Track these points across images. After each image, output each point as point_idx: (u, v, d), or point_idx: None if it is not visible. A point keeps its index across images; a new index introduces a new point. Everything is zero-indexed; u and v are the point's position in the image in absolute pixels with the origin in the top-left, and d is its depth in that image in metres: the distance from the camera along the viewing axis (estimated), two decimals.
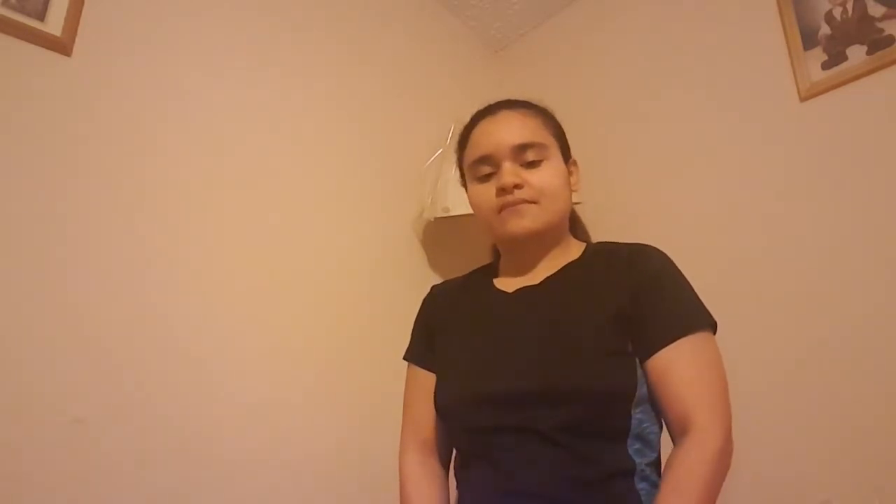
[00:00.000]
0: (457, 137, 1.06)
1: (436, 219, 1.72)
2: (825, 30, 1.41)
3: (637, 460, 0.82)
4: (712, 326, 0.86)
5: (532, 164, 0.92)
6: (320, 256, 1.53)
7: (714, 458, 0.76)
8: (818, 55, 1.42)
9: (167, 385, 1.21)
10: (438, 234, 1.83)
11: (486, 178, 0.94)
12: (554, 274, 0.93)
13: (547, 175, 0.91)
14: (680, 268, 0.90)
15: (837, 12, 1.40)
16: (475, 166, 0.95)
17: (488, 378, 0.88)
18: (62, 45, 1.20)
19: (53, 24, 1.20)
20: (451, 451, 1.01)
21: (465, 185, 1.03)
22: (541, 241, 0.93)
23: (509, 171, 0.90)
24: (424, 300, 1.11)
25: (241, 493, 1.27)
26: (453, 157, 1.70)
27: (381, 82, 1.83)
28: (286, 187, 1.52)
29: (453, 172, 1.69)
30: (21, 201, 1.12)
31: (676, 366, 0.81)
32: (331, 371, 1.45)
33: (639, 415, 0.83)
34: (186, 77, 1.39)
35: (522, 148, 0.92)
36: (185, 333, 1.26)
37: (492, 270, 1.05)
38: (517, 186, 0.89)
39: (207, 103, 1.42)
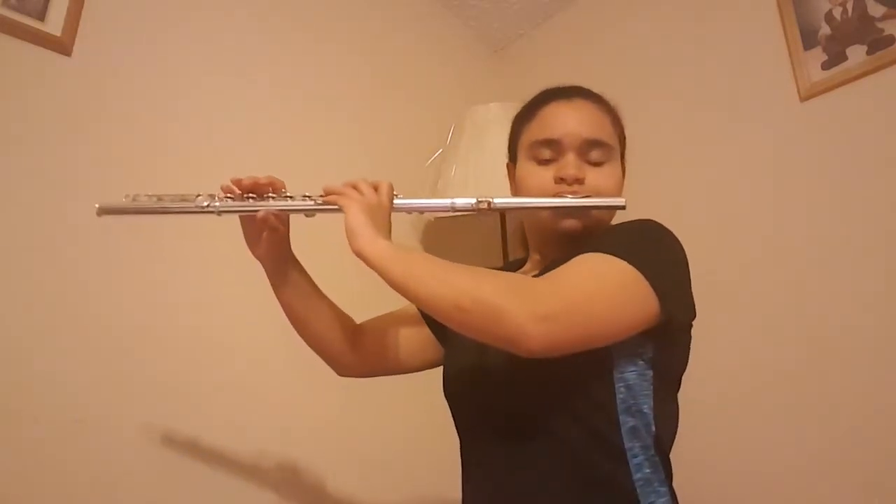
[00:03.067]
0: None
1: (436, 219, 1.72)
2: (825, 30, 1.41)
3: (629, 444, 0.77)
4: (635, 265, 0.74)
5: (595, 163, 0.88)
6: (320, 256, 1.52)
7: (524, 309, 0.67)
8: (818, 55, 1.42)
9: (168, 385, 1.21)
10: (438, 234, 1.83)
11: (544, 161, 0.90)
12: (554, 262, 0.91)
13: (607, 178, 0.88)
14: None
15: (837, 12, 1.40)
16: (537, 147, 0.91)
17: (459, 367, 0.91)
18: (62, 45, 1.21)
19: (53, 24, 1.20)
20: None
21: (512, 158, 0.99)
22: (576, 241, 0.88)
23: (574, 163, 0.87)
24: None
25: (243, 491, 1.27)
26: (454, 156, 1.72)
27: (382, 82, 1.83)
28: (286, 186, 1.52)
29: (453, 172, 1.70)
30: (22, 201, 1.12)
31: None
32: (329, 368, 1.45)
33: (622, 392, 0.78)
34: (186, 76, 1.40)
35: (591, 144, 0.88)
36: (187, 333, 1.26)
37: (521, 262, 1.04)
38: (578, 181, 0.86)
39: (207, 102, 1.42)
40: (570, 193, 0.86)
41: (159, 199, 0.87)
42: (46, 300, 1.11)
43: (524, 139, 0.95)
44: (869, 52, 1.34)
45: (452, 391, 0.93)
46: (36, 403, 1.06)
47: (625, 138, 0.96)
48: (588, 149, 0.88)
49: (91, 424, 1.10)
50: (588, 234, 0.89)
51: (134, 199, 0.87)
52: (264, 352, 1.35)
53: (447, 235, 1.84)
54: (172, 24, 1.40)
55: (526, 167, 0.93)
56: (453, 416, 0.93)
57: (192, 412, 1.23)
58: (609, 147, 0.90)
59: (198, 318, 1.29)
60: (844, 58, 1.37)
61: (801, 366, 1.34)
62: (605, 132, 0.90)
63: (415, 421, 1.52)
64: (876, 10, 1.34)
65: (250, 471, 1.29)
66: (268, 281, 0.95)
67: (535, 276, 0.92)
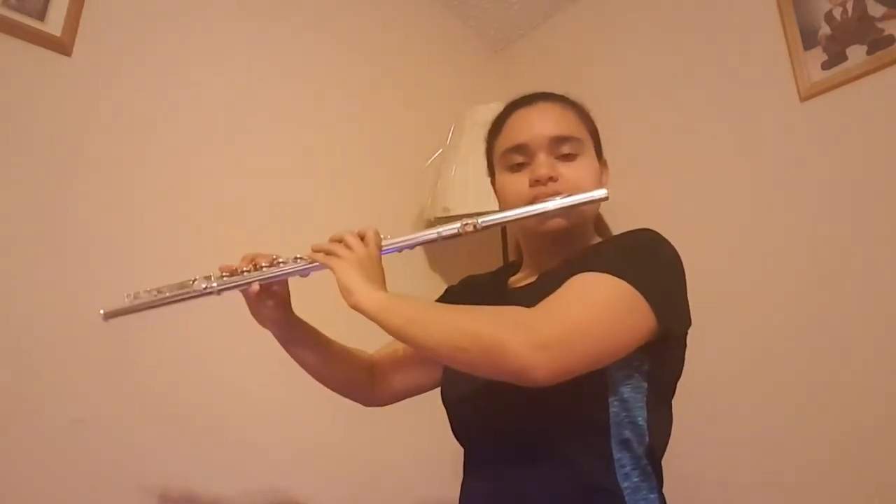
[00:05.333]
0: (488, 125, 1.02)
1: (436, 219, 1.72)
2: (825, 30, 1.41)
3: (618, 455, 0.78)
4: (631, 282, 0.74)
5: (567, 158, 0.89)
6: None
7: (523, 341, 0.68)
8: (818, 55, 1.42)
9: (167, 385, 1.21)
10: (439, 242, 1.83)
11: (517, 167, 0.91)
12: (550, 270, 0.91)
13: (581, 170, 0.89)
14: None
15: (837, 12, 1.40)
16: (508, 155, 0.92)
17: (455, 381, 0.91)
18: (62, 45, 1.21)
19: (53, 24, 1.20)
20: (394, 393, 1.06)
21: (491, 175, 1.00)
22: (565, 239, 0.89)
23: (544, 163, 0.87)
24: (447, 288, 1.11)
25: (243, 490, 1.27)
26: (454, 156, 1.72)
27: (381, 82, 1.83)
28: (286, 187, 1.52)
29: (453, 172, 1.70)
30: (22, 200, 1.12)
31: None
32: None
33: (615, 407, 0.78)
34: (186, 76, 1.39)
35: (559, 140, 0.89)
36: (186, 334, 1.26)
37: (515, 267, 1.05)
38: (552, 179, 0.86)
39: (206, 103, 1.42)
40: (547, 194, 0.86)
41: (159, 291, 0.92)
42: (46, 299, 1.11)
43: (496, 152, 0.96)
44: (869, 52, 1.34)
45: (449, 405, 0.93)
46: (36, 403, 1.06)
47: (597, 133, 0.97)
48: (557, 145, 0.89)
49: (91, 424, 1.10)
50: (576, 231, 0.89)
51: (135, 297, 0.93)
52: (269, 349, 1.35)
53: (447, 243, 1.83)
54: (172, 24, 1.39)
55: (502, 178, 0.94)
56: (451, 426, 0.93)
57: (193, 413, 1.23)
58: (578, 140, 0.90)
59: (201, 318, 1.29)
60: (844, 58, 1.37)
61: (801, 367, 1.34)
62: (571, 127, 0.91)
63: (415, 433, 1.52)
64: (876, 10, 1.34)
65: (252, 473, 1.29)
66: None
67: (529, 283, 0.93)
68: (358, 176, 1.69)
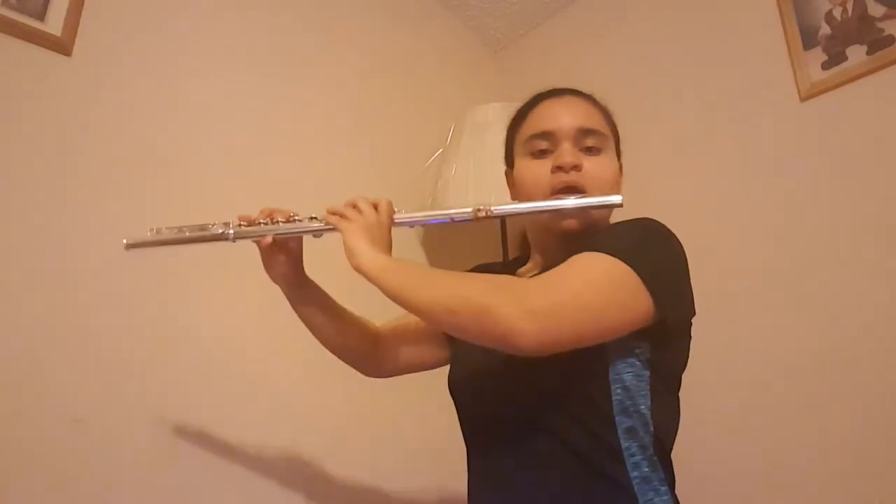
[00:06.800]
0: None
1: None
2: (825, 30, 1.42)
3: (625, 444, 0.77)
4: (629, 264, 0.74)
5: (591, 151, 0.90)
6: (320, 256, 1.52)
7: (512, 307, 0.69)
8: (818, 55, 1.42)
9: (167, 385, 1.21)
10: (438, 234, 1.83)
11: (540, 154, 0.91)
12: (554, 262, 0.91)
13: (603, 166, 0.90)
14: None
15: (837, 12, 1.40)
16: (532, 141, 0.92)
17: (463, 366, 0.92)
18: (62, 45, 1.20)
19: (53, 24, 1.20)
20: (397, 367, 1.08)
21: (509, 164, 1.00)
22: (574, 239, 0.88)
23: (569, 151, 0.88)
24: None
25: (243, 489, 1.27)
26: (454, 156, 1.72)
27: (381, 82, 1.83)
28: (286, 188, 1.52)
29: (453, 172, 1.70)
30: (21, 200, 1.12)
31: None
32: (330, 369, 1.45)
33: (618, 394, 0.78)
34: (186, 77, 1.39)
35: (585, 132, 0.89)
36: (185, 333, 1.26)
37: (524, 260, 1.05)
38: (575, 168, 0.87)
39: (206, 103, 1.42)
40: (568, 182, 0.87)
41: (179, 230, 0.97)
42: (46, 300, 1.11)
43: (519, 139, 0.96)
44: (869, 52, 1.34)
45: (456, 390, 0.94)
46: (36, 403, 1.06)
47: (618, 135, 0.97)
48: (582, 137, 0.90)
49: (91, 424, 1.10)
50: (587, 232, 0.89)
51: (157, 232, 0.97)
52: (268, 349, 1.35)
53: (448, 236, 1.84)
54: (172, 24, 1.39)
55: (523, 163, 0.94)
56: (458, 412, 0.93)
57: (194, 411, 1.23)
58: (603, 135, 0.91)
59: (200, 317, 1.29)
60: (844, 58, 1.37)
61: (801, 368, 1.34)
62: (597, 122, 0.92)
63: (425, 416, 1.52)
64: (876, 10, 1.34)
65: (253, 472, 1.29)
66: (271, 282, 0.98)
67: (534, 275, 0.93)
68: (358, 176, 1.68)
